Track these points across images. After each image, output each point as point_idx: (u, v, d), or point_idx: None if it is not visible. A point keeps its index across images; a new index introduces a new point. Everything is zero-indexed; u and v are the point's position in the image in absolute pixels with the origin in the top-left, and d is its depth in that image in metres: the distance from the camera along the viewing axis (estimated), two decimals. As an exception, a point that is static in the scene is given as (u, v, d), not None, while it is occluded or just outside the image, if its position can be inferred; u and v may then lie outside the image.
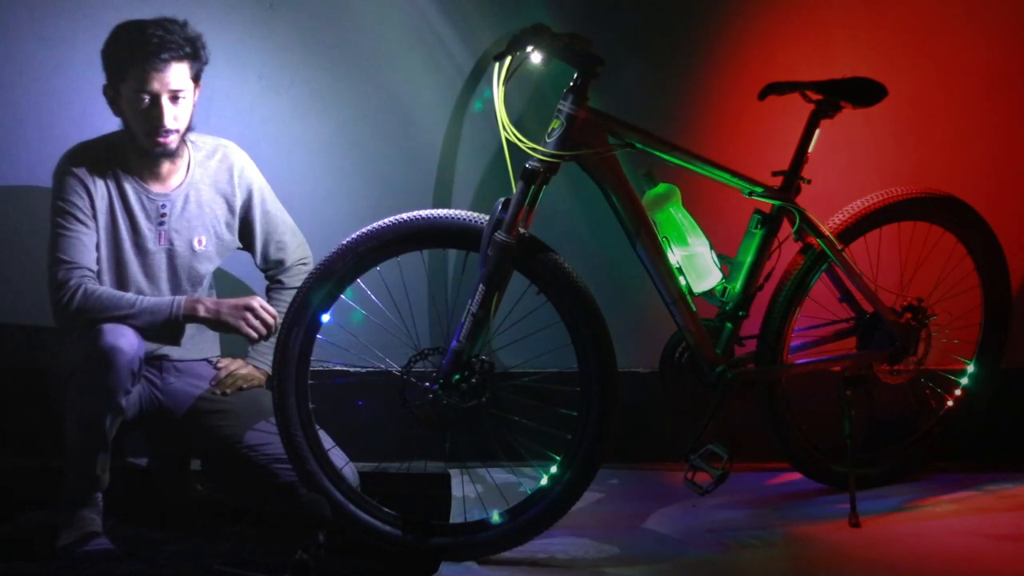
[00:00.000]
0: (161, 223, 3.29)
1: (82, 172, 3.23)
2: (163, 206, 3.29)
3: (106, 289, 3.17)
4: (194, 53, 3.21)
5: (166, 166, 3.28)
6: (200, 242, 3.33)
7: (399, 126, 3.74)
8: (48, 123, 3.69)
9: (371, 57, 3.72)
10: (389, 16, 3.71)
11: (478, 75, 3.68)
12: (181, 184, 3.31)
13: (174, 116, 3.19)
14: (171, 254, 3.31)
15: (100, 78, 3.24)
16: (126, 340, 3.09)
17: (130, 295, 3.16)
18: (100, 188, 3.23)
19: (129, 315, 3.12)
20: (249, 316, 3.18)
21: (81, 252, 3.19)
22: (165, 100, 3.18)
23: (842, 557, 3.15)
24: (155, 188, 3.29)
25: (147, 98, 3.17)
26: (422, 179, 3.77)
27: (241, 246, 3.43)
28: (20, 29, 3.67)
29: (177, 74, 3.18)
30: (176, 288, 3.32)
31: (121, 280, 3.27)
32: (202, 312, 3.16)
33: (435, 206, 3.69)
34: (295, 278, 3.40)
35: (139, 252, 3.29)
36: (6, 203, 3.75)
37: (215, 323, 3.19)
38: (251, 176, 3.39)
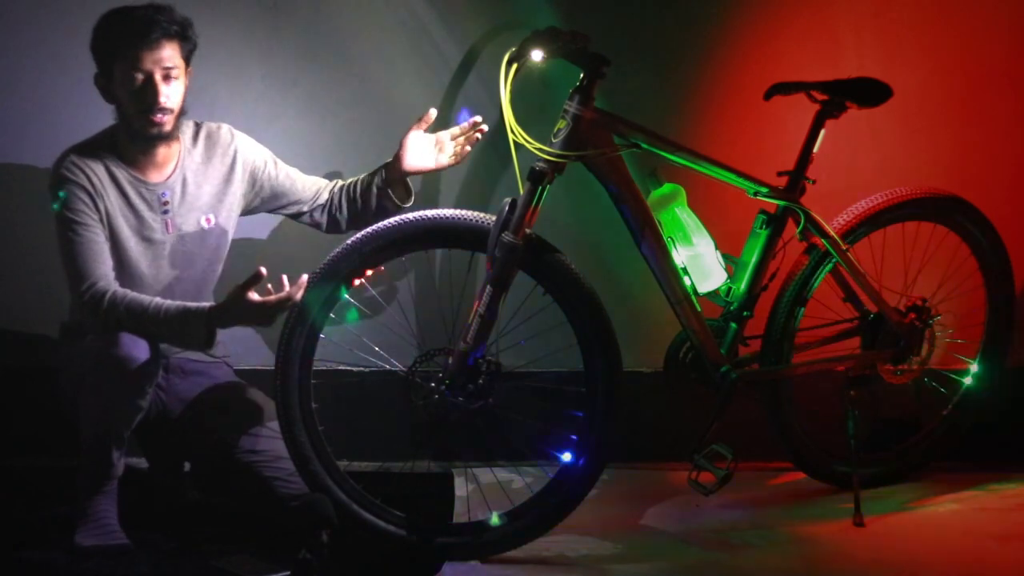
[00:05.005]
0: (165, 211, 3.28)
1: (79, 176, 3.21)
2: (163, 194, 3.28)
3: (133, 297, 3.13)
4: (183, 33, 3.22)
5: (161, 152, 3.27)
6: (208, 220, 3.32)
7: (394, 126, 3.72)
8: (52, 123, 3.69)
9: (370, 57, 3.71)
10: (385, 17, 3.71)
11: (466, 72, 3.67)
12: (176, 170, 3.30)
13: (167, 95, 3.19)
14: (182, 240, 3.30)
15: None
16: (141, 349, 3.09)
17: (156, 301, 3.12)
18: (99, 187, 3.22)
19: (155, 323, 3.10)
20: (274, 313, 3.09)
21: (99, 260, 3.17)
22: (158, 78, 3.18)
23: (846, 557, 3.15)
24: (152, 178, 3.28)
25: (140, 76, 3.17)
26: (417, 179, 3.75)
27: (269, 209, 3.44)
28: (21, 28, 3.67)
29: (168, 52, 3.19)
30: (193, 273, 3.31)
31: (132, 274, 3.25)
32: (218, 312, 3.09)
33: (423, 206, 3.69)
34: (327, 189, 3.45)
35: (148, 244, 3.27)
36: (7, 203, 3.74)
37: (237, 320, 3.12)
38: (249, 152, 3.38)
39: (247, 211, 3.42)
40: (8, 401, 3.74)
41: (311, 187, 3.45)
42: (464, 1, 3.70)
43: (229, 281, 3.18)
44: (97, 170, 3.23)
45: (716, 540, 3.26)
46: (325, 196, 3.44)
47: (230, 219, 3.37)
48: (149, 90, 3.18)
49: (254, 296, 3.04)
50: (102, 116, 3.30)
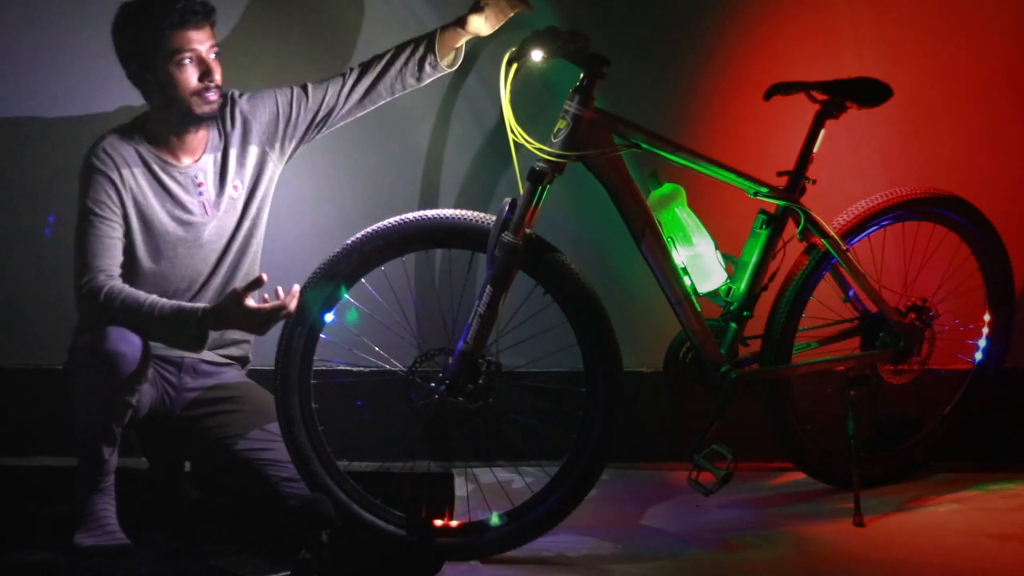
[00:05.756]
0: (200, 193, 3.30)
1: (108, 166, 3.23)
2: (196, 176, 3.30)
3: (129, 293, 3.13)
4: (212, 12, 3.26)
5: (199, 135, 3.30)
6: (235, 187, 3.34)
7: (394, 126, 3.73)
8: (52, 124, 3.70)
9: (370, 56, 3.71)
10: (382, 17, 3.71)
11: (466, 72, 3.68)
12: (205, 150, 3.32)
13: (218, 71, 3.25)
14: (219, 218, 3.31)
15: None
16: (129, 345, 3.08)
17: (151, 299, 3.12)
18: (128, 179, 3.24)
19: (149, 320, 3.10)
20: (266, 321, 3.10)
21: (106, 253, 3.18)
22: (209, 57, 3.23)
23: (846, 557, 3.15)
24: (184, 161, 3.30)
25: (190, 58, 3.21)
26: (417, 179, 3.77)
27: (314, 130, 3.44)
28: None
29: (208, 31, 3.24)
30: (236, 242, 3.33)
31: (170, 258, 3.27)
32: (214, 314, 3.10)
33: (423, 206, 3.70)
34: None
35: (187, 227, 3.29)
36: (8, 202, 3.74)
37: (232, 324, 3.14)
38: (256, 108, 3.38)
39: (296, 148, 3.41)
40: (8, 401, 3.75)
41: (340, 84, 3.43)
42: (464, 1, 3.69)
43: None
44: (129, 159, 3.25)
45: (716, 540, 3.26)
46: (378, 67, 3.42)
47: (254, 181, 3.35)
48: (204, 70, 3.22)
49: (250, 302, 3.06)
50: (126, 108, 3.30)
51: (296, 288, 3.08)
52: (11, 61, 3.69)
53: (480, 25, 3.39)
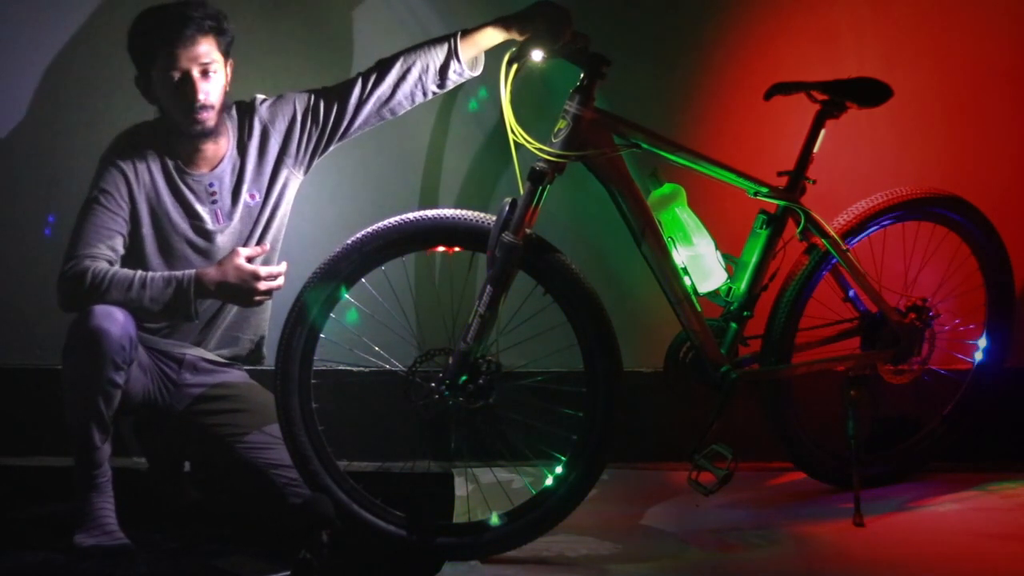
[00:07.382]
0: (214, 202, 3.30)
1: (125, 160, 3.24)
2: (211, 185, 3.30)
3: (118, 270, 3.14)
4: (218, 27, 3.23)
5: (210, 146, 3.29)
6: (252, 196, 3.33)
7: (394, 126, 3.73)
8: (51, 123, 3.70)
9: (370, 57, 3.70)
10: (385, 17, 3.71)
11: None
12: (223, 160, 3.31)
13: (206, 91, 3.20)
14: (234, 226, 3.32)
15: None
16: (113, 322, 3.08)
17: (141, 272, 3.14)
18: (143, 177, 3.24)
19: (140, 294, 3.11)
20: (260, 284, 3.16)
21: (99, 241, 3.18)
22: (196, 75, 3.19)
23: (846, 557, 3.15)
24: (202, 169, 3.30)
25: (177, 75, 3.19)
26: (417, 179, 3.77)
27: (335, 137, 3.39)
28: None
29: (205, 48, 3.20)
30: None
31: (183, 264, 3.27)
32: (208, 278, 3.14)
33: (423, 206, 3.70)
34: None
35: (200, 233, 3.30)
36: (9, 202, 3.75)
37: (224, 289, 3.16)
38: (274, 116, 3.35)
39: (313, 156, 3.37)
40: (8, 401, 3.75)
41: (353, 91, 3.36)
42: (464, 1, 3.69)
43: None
44: (148, 156, 3.26)
45: (716, 540, 3.26)
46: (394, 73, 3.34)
47: (271, 189, 3.34)
48: (187, 88, 3.19)
49: (245, 262, 3.14)
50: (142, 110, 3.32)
51: (284, 265, 3.17)
52: (11, 61, 3.69)
53: (519, 34, 3.23)
